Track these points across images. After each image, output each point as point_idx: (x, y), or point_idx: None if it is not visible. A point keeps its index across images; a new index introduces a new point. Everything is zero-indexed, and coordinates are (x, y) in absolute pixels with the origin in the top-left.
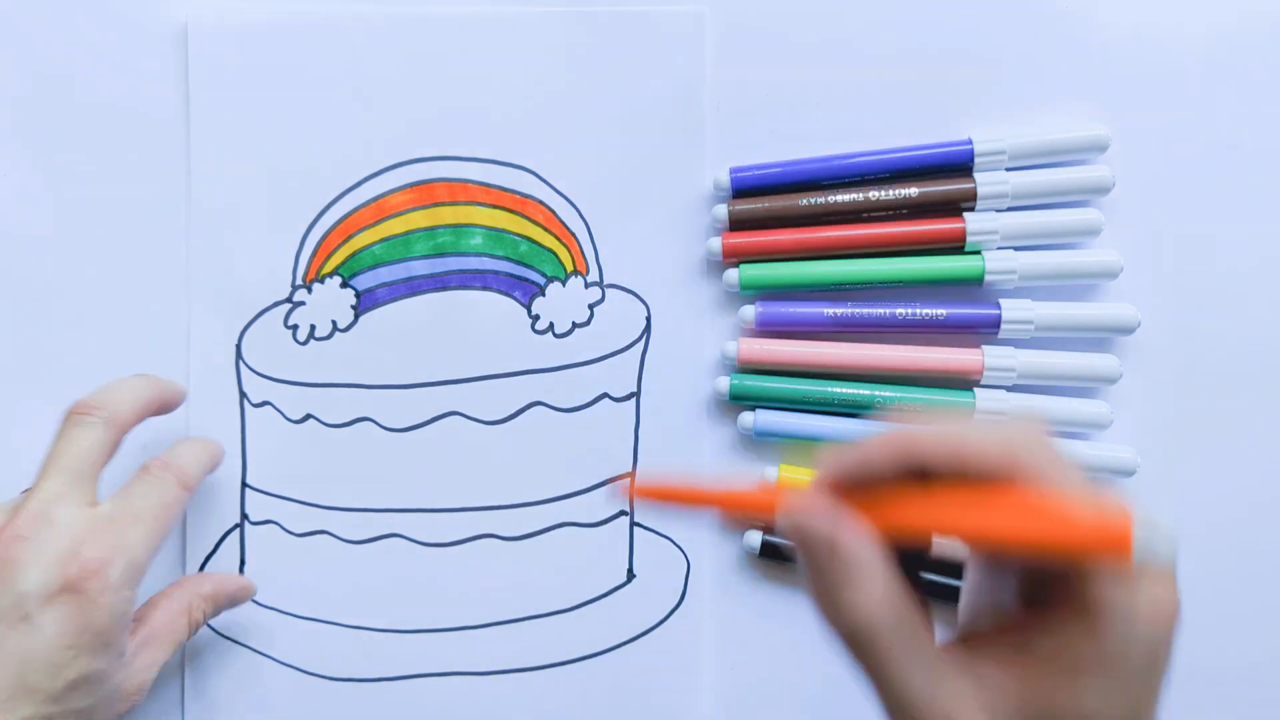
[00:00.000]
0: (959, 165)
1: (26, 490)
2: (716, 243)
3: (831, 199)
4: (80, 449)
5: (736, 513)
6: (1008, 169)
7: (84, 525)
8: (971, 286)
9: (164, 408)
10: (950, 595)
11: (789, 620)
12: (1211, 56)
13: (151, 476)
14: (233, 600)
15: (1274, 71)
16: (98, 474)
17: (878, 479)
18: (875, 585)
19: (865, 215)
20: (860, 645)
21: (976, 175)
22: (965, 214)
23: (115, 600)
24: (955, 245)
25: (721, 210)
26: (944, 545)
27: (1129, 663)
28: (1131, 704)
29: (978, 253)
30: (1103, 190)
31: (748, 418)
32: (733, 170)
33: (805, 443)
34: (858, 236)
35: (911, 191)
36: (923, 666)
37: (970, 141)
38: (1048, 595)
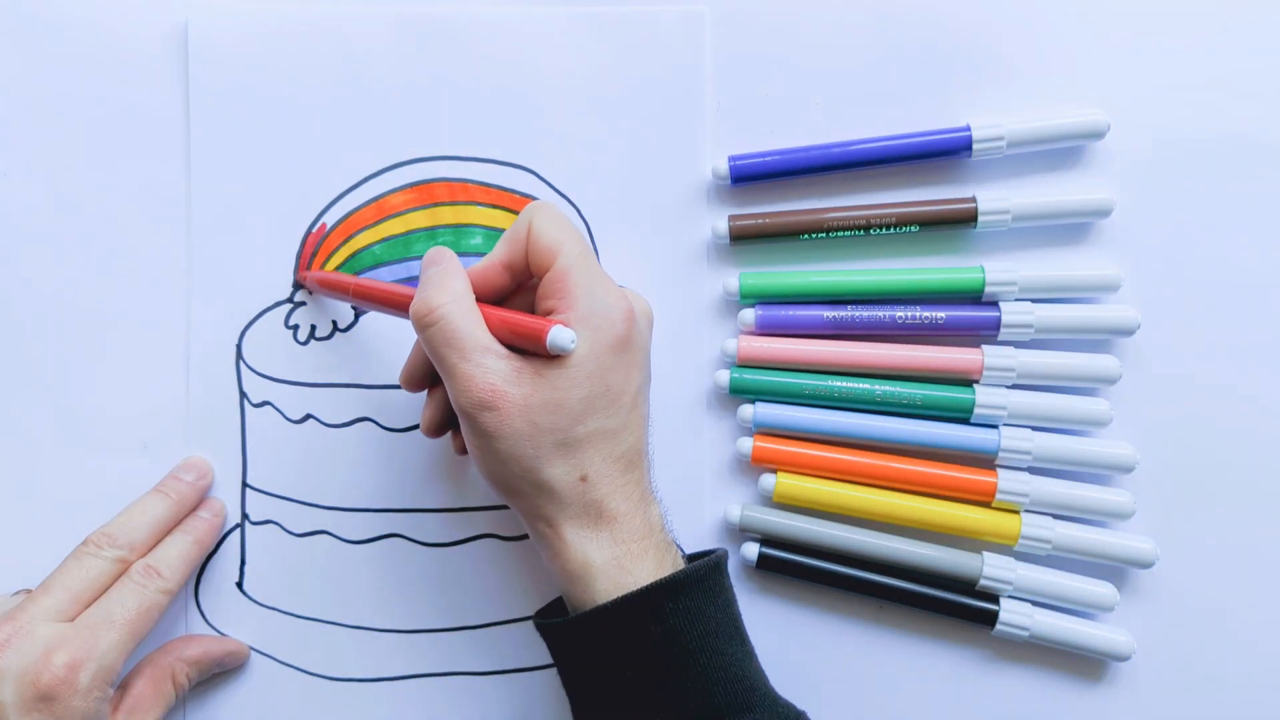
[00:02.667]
0: (957, 151)
1: (20, 591)
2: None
3: (832, 215)
4: (86, 576)
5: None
6: (1005, 155)
7: (59, 635)
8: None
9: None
10: (985, 619)
11: (786, 631)
12: (1213, 47)
13: (133, 583)
14: (221, 664)
15: (1275, 65)
16: (94, 599)
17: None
18: (451, 282)
19: (868, 230)
20: (432, 329)
21: (978, 195)
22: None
23: (85, 704)
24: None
25: (721, 225)
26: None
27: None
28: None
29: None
30: (1103, 213)
31: (747, 410)
32: (731, 159)
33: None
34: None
35: (913, 228)
36: (477, 350)
37: (969, 128)
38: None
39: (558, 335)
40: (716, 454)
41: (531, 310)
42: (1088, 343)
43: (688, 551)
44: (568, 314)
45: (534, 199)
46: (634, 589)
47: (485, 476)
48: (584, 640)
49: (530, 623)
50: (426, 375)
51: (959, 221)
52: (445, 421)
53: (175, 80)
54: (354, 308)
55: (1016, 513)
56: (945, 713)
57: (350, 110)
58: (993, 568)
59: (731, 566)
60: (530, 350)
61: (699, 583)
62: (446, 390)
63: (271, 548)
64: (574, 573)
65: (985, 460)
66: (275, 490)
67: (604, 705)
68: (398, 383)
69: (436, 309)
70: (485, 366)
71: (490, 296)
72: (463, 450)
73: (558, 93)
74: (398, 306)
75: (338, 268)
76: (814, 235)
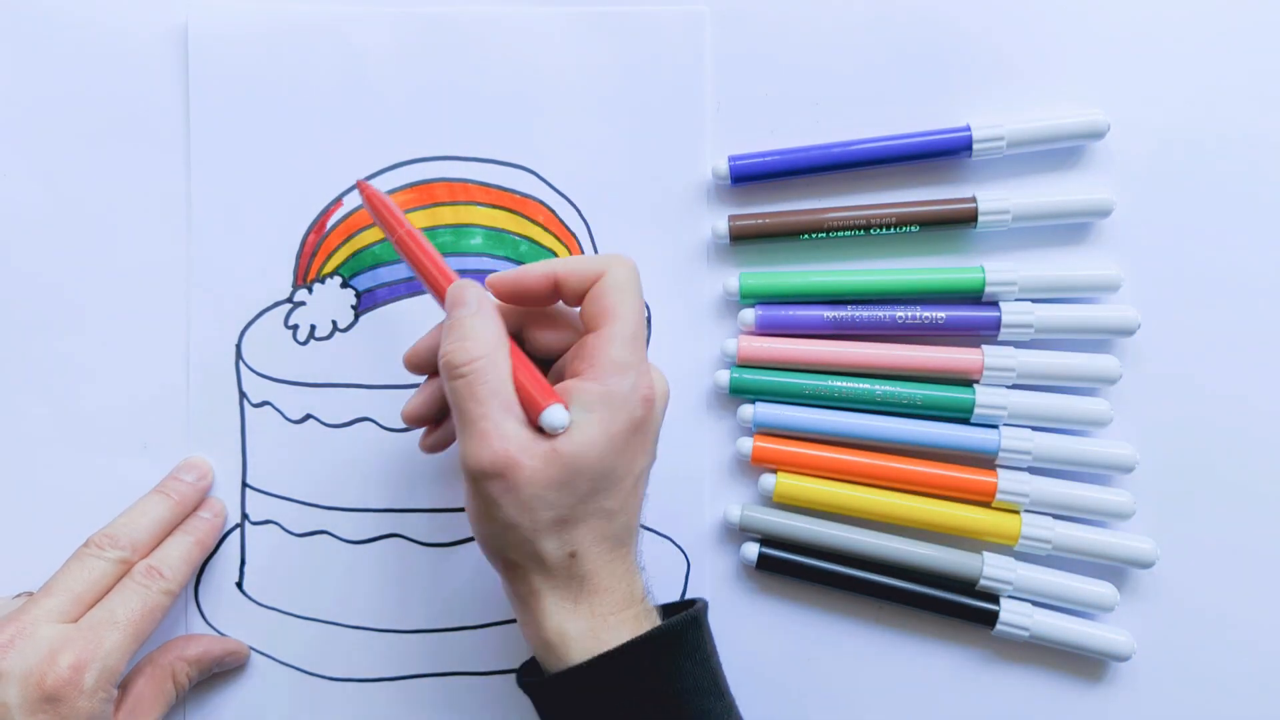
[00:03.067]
0: (957, 151)
1: (21, 594)
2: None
3: (832, 215)
4: (89, 577)
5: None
6: (1005, 155)
7: (63, 636)
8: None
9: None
10: (985, 619)
11: (786, 631)
12: (1213, 47)
13: (136, 584)
14: (221, 663)
15: (1276, 65)
16: (96, 600)
17: (531, 301)
18: (488, 332)
19: (868, 230)
20: (461, 381)
21: (978, 195)
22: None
23: (90, 704)
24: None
25: (721, 225)
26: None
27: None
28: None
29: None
30: (1103, 213)
31: (747, 410)
32: (731, 159)
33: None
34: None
35: (914, 228)
36: (500, 409)
37: (969, 128)
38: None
39: (552, 416)
40: (716, 454)
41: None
42: (1088, 343)
43: (684, 549)
44: (590, 386)
45: (534, 199)
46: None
47: (476, 536)
48: (563, 700)
49: None
50: (433, 364)
51: (959, 221)
52: (431, 414)
53: (175, 80)
54: (354, 307)
55: (1016, 513)
56: (945, 713)
57: (350, 110)
58: (993, 568)
59: (732, 566)
60: None
61: (674, 639)
62: (456, 438)
63: (271, 548)
64: (549, 641)
65: (985, 460)
66: (275, 490)
67: None
68: (398, 382)
69: (470, 363)
70: (504, 431)
71: (525, 303)
72: (432, 448)
73: (558, 93)
74: (432, 283)
75: (338, 267)
76: (814, 235)
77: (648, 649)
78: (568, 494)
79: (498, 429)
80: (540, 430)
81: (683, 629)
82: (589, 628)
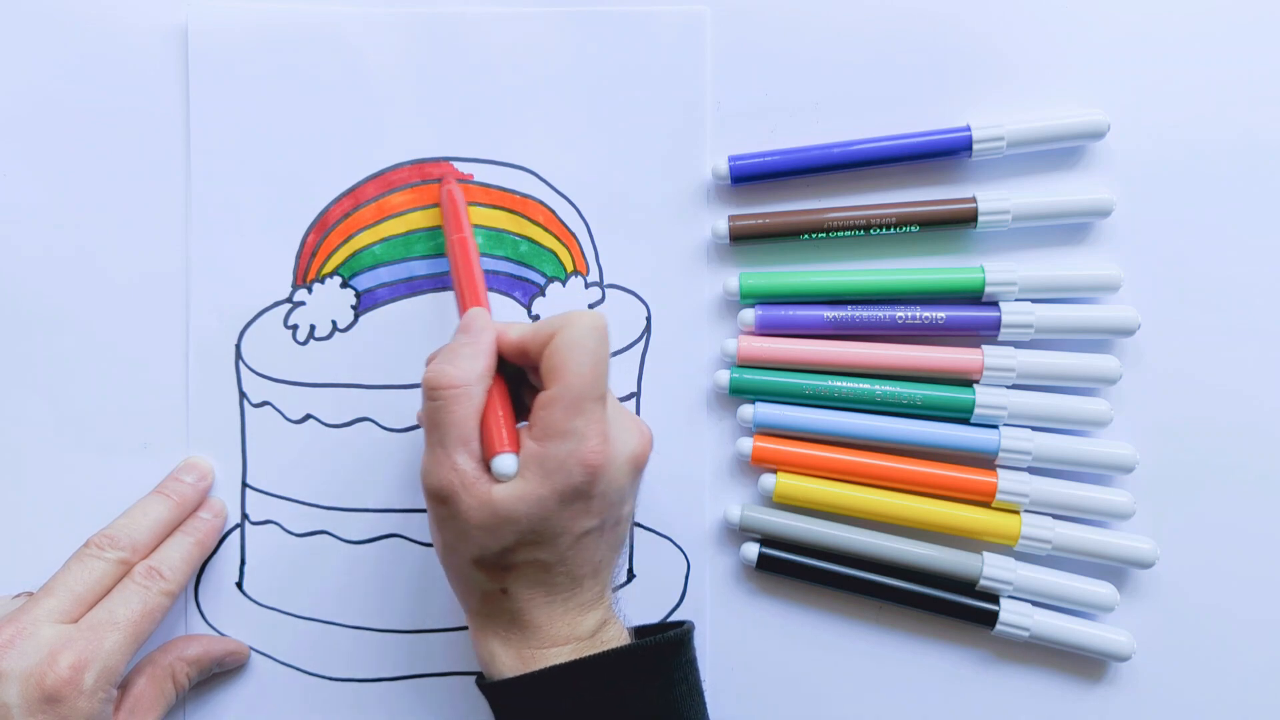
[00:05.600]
0: (957, 151)
1: (21, 594)
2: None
3: (832, 215)
4: (89, 578)
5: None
6: (1005, 155)
7: (63, 636)
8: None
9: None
10: (985, 619)
11: (786, 631)
12: (1213, 47)
13: (136, 585)
14: (221, 664)
15: (1275, 65)
16: (96, 601)
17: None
18: (474, 366)
19: (867, 230)
20: (434, 404)
21: (978, 195)
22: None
23: (90, 704)
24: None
25: (721, 225)
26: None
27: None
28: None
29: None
30: (1103, 213)
31: (747, 410)
32: (731, 159)
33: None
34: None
35: (914, 228)
36: (457, 442)
37: (969, 128)
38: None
39: (499, 464)
40: (716, 454)
41: None
42: (1088, 343)
43: (684, 549)
44: (528, 445)
45: (534, 199)
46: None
47: (434, 543)
48: (504, 707)
49: None
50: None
51: (959, 221)
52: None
53: (175, 80)
54: (353, 307)
55: (1016, 513)
56: (945, 713)
57: (350, 110)
58: (993, 568)
59: (732, 566)
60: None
61: (617, 666)
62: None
63: (271, 548)
64: (482, 658)
65: (985, 460)
66: (275, 490)
67: None
68: (398, 382)
69: (446, 389)
70: (454, 462)
71: (511, 360)
72: None
73: (558, 93)
74: (459, 295)
75: (338, 267)
76: (814, 235)
77: (578, 672)
78: (493, 540)
79: (449, 458)
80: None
81: (632, 657)
82: (518, 656)
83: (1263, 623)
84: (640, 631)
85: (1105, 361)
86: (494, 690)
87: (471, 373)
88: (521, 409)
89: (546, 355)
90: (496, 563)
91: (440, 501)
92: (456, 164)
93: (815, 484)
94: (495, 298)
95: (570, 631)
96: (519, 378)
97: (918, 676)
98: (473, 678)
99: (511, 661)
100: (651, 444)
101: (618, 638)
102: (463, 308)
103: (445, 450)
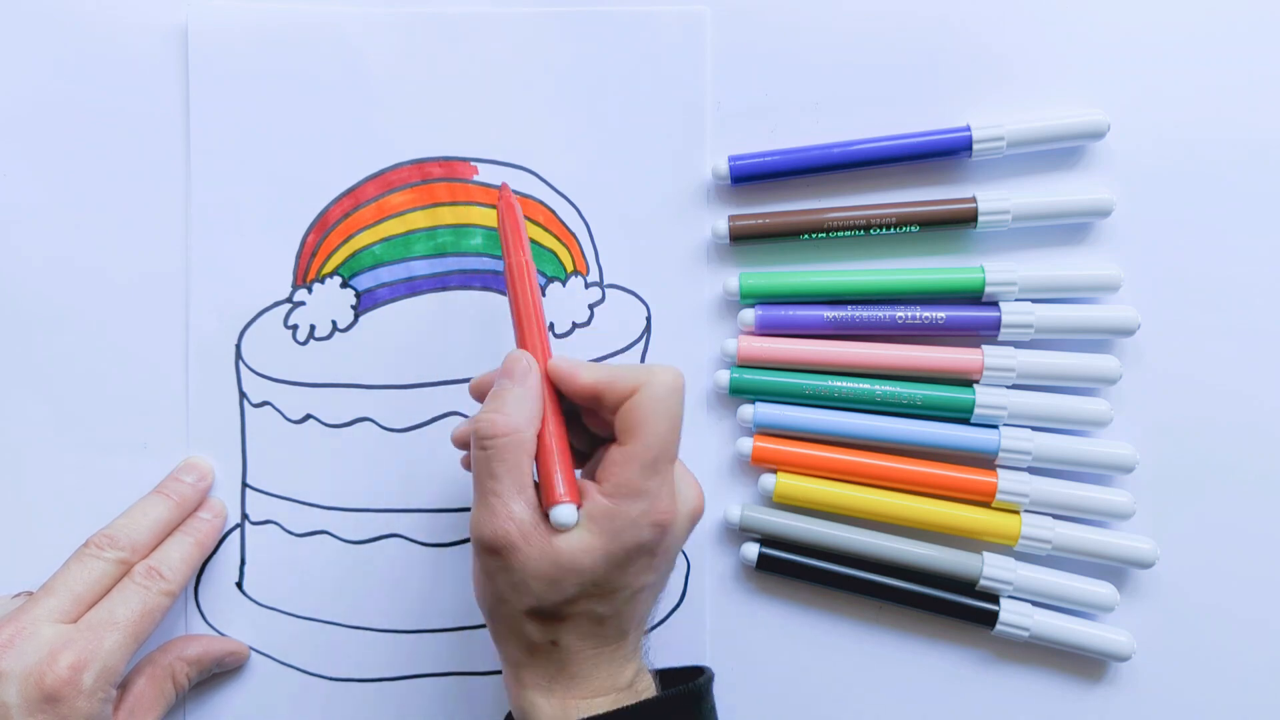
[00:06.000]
0: (957, 151)
1: (21, 594)
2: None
3: (832, 215)
4: (89, 577)
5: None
6: (1005, 155)
7: (63, 636)
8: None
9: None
10: (985, 619)
11: (786, 631)
12: (1213, 47)
13: (136, 585)
14: (221, 663)
15: (1275, 66)
16: (96, 601)
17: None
18: (522, 410)
19: (867, 230)
20: (486, 453)
21: (978, 195)
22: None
23: (89, 704)
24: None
25: (721, 225)
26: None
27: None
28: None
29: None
30: (1103, 213)
31: (747, 410)
32: (731, 159)
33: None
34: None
35: (914, 228)
36: (512, 489)
37: (969, 128)
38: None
39: (559, 514)
40: (716, 454)
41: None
42: (1088, 343)
43: (684, 549)
44: (600, 500)
45: (534, 199)
46: None
47: (475, 593)
48: None
49: None
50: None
51: (959, 221)
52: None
53: (175, 80)
54: (353, 307)
55: (1016, 513)
56: (945, 713)
57: (350, 110)
58: (993, 568)
59: (732, 566)
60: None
61: (647, 715)
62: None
63: (271, 548)
64: (521, 708)
65: (985, 460)
66: (275, 490)
67: None
68: (398, 382)
69: (497, 437)
70: (510, 511)
71: (573, 399)
72: (468, 466)
73: (558, 93)
74: (516, 326)
75: (337, 268)
76: (814, 235)
77: None
78: (554, 591)
79: (505, 507)
80: (547, 517)
81: (660, 709)
82: (560, 707)
83: (1263, 623)
84: (661, 675)
85: (1105, 361)
86: None
87: (522, 417)
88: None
89: (626, 410)
90: (553, 614)
91: (494, 553)
92: (458, 163)
93: (815, 484)
94: (495, 297)
95: (612, 683)
96: (571, 413)
97: (918, 676)
98: (472, 678)
99: (553, 713)
100: (704, 500)
101: (649, 686)
102: (519, 338)
103: (501, 499)
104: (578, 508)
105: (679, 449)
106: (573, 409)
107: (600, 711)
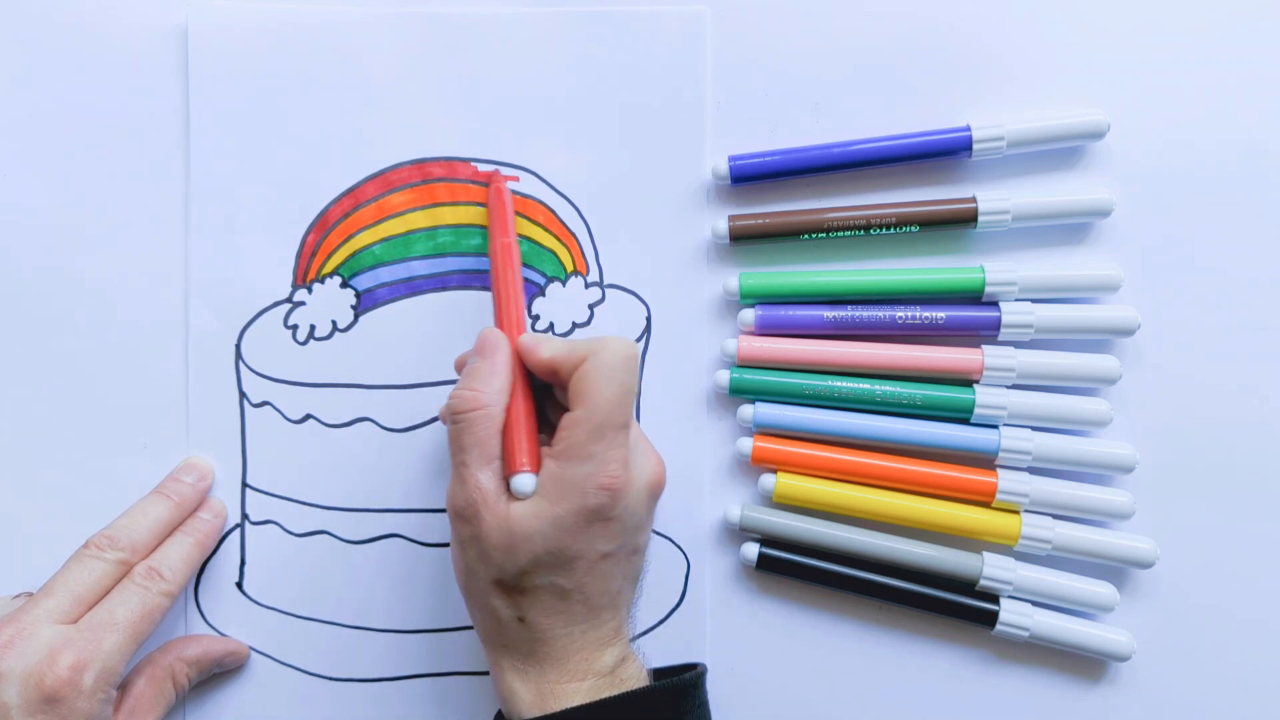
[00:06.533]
0: (957, 151)
1: (20, 594)
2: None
3: (832, 215)
4: (89, 578)
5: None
6: (1005, 155)
7: (63, 637)
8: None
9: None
10: (985, 619)
11: (786, 631)
12: (1213, 47)
13: (136, 585)
14: (221, 664)
15: (1275, 66)
16: (96, 601)
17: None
18: (490, 385)
19: (867, 230)
20: (458, 426)
21: (978, 195)
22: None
23: (89, 705)
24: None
25: (721, 225)
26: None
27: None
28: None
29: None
30: (1103, 213)
31: (747, 410)
32: (731, 159)
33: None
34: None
35: (914, 228)
36: (480, 460)
37: (969, 128)
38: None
39: (517, 482)
40: (716, 454)
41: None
42: (1088, 343)
43: (684, 548)
44: (549, 465)
45: (534, 199)
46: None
47: (454, 572)
48: None
49: None
50: None
51: (959, 221)
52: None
53: (175, 80)
54: (353, 307)
55: (1016, 513)
56: (945, 713)
57: (350, 110)
58: (993, 568)
59: (732, 566)
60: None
61: (625, 710)
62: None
63: (271, 548)
64: (502, 695)
65: (985, 460)
66: (275, 490)
67: None
68: (398, 382)
69: (467, 412)
70: (477, 481)
71: (537, 375)
72: None
73: (558, 93)
74: (496, 304)
75: (337, 268)
76: (814, 235)
77: (590, 716)
78: (510, 561)
79: (473, 477)
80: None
81: (632, 701)
82: (536, 692)
83: (1263, 623)
84: (657, 674)
85: (1105, 361)
86: None
87: (493, 393)
88: (546, 424)
89: (576, 378)
90: (514, 585)
91: (464, 521)
92: (458, 164)
93: (815, 484)
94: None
95: (588, 666)
96: (545, 391)
97: (918, 676)
98: (472, 678)
99: (530, 698)
100: (665, 474)
101: (637, 676)
102: (497, 318)
103: (469, 470)
104: (536, 476)
105: (630, 417)
106: (547, 386)
107: (578, 703)
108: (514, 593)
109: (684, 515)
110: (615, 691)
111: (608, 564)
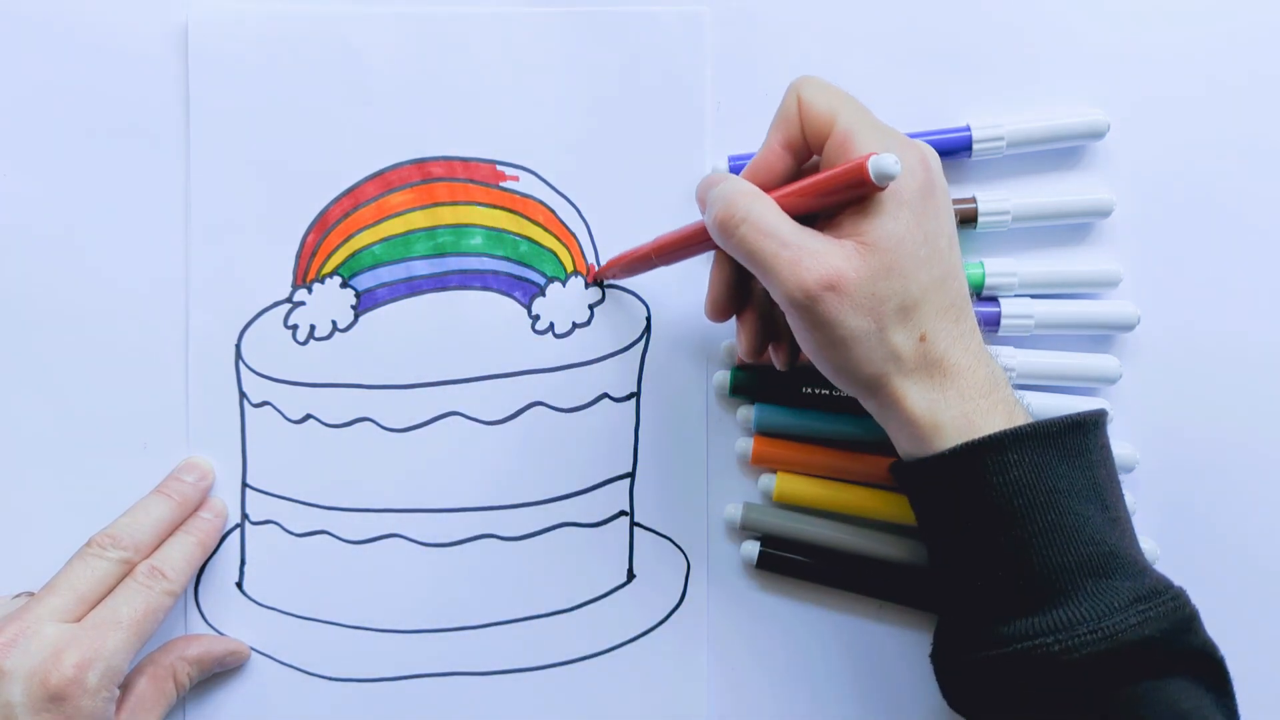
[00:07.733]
0: (957, 151)
1: (21, 594)
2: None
3: None
4: (92, 577)
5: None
6: (1005, 155)
7: (67, 635)
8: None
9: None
10: None
11: (786, 631)
12: (1213, 47)
13: (138, 584)
14: (221, 663)
15: (1275, 66)
16: (99, 600)
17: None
18: (742, 186)
19: None
20: (744, 227)
21: (978, 195)
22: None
23: (93, 703)
24: None
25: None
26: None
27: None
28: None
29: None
30: (1103, 213)
31: (747, 410)
32: (731, 159)
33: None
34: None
35: None
36: (795, 235)
37: (968, 128)
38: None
39: (879, 162)
40: (716, 454)
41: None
42: (1088, 343)
43: (684, 548)
44: (880, 199)
45: (534, 199)
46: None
47: (827, 370)
48: (929, 489)
49: (531, 622)
50: (733, 299)
51: (959, 222)
52: (764, 339)
53: (175, 80)
54: (353, 307)
55: None
56: (945, 712)
57: (350, 110)
58: None
59: (732, 566)
60: (846, 202)
61: (1051, 438)
62: (767, 291)
63: (271, 548)
64: (923, 435)
65: None
66: (275, 490)
67: (951, 557)
68: (398, 382)
69: (741, 208)
70: (812, 249)
71: (773, 184)
72: (786, 364)
73: (558, 93)
74: (699, 239)
75: (337, 268)
76: None
77: (1014, 441)
78: (897, 278)
79: (805, 248)
80: (857, 230)
81: (1060, 429)
82: (961, 413)
83: (1263, 623)
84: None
85: (1105, 361)
86: (962, 455)
87: (745, 187)
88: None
89: (806, 112)
90: (906, 304)
91: (826, 292)
92: (457, 164)
93: (815, 484)
94: (495, 298)
95: (990, 377)
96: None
97: (918, 676)
98: (472, 678)
99: (954, 422)
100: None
101: (1024, 412)
102: (697, 236)
103: (795, 248)
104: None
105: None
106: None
107: (1011, 426)
108: (908, 311)
109: (684, 515)
110: (1024, 414)
111: (955, 242)
